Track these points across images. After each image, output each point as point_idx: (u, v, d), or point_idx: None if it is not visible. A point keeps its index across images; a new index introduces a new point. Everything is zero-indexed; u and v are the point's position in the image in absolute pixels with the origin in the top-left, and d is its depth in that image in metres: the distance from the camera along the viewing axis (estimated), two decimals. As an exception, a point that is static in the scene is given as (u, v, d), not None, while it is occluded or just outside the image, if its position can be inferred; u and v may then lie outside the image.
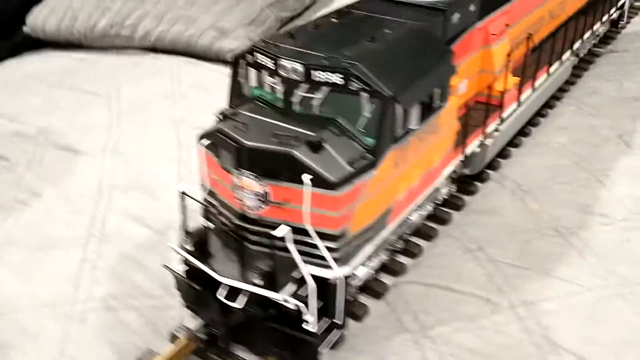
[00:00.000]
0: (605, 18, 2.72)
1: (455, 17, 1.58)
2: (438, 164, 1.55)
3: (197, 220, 1.41)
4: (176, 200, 1.88)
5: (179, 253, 1.36)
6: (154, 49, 2.89)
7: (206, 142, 1.33)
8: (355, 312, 1.49)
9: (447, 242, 1.72)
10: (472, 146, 1.76)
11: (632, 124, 2.25)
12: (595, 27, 2.60)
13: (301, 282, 1.27)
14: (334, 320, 1.34)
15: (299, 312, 1.27)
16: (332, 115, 1.30)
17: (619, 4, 2.92)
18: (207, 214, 1.42)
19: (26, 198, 1.91)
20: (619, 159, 2.05)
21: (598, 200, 1.84)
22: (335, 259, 1.28)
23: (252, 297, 1.30)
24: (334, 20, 1.48)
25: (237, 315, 1.34)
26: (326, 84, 1.27)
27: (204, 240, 1.32)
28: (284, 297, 1.24)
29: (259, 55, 1.33)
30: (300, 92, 1.29)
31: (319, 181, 1.21)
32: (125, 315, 1.49)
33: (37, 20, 3.01)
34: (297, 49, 1.30)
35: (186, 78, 2.67)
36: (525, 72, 1.96)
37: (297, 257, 1.23)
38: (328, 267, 1.28)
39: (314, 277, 1.28)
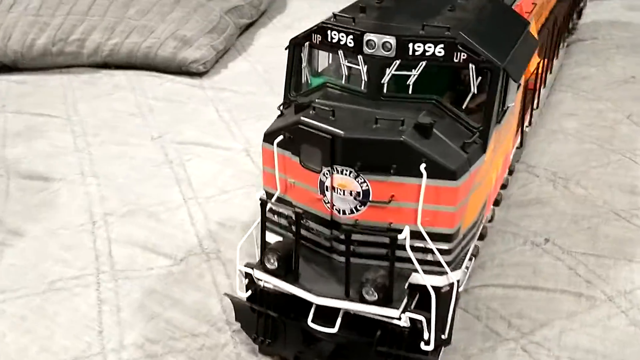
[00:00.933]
0: (577, 6, 2.70)
1: (507, -9, 1.45)
2: (510, 148, 1.39)
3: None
4: (187, 222, 1.66)
5: (254, 276, 1.12)
6: (106, 65, 2.59)
7: (278, 139, 1.11)
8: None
9: (507, 239, 1.56)
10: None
11: (636, 106, 2.20)
12: (572, 15, 2.57)
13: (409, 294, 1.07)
14: (442, 336, 1.14)
15: (411, 331, 1.06)
16: (428, 95, 1.11)
17: (582, -7, 2.92)
18: (273, 226, 1.19)
19: (5, 238, 1.59)
20: (639, 139, 1.99)
21: (643, 180, 1.75)
22: (448, 263, 1.08)
23: (346, 319, 1.09)
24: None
25: (327, 344, 1.13)
26: (424, 57, 1.08)
27: (289, 256, 1.09)
28: (400, 314, 1.03)
29: (333, 32, 1.12)
30: (392, 71, 1.09)
31: (436, 171, 1.02)
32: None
33: (-37, 42, 2.64)
34: (382, 22, 1.11)
35: (151, 92, 2.39)
36: (547, 55, 1.86)
37: (417, 266, 1.03)
38: (438, 273, 1.09)
39: (420, 286, 1.09)
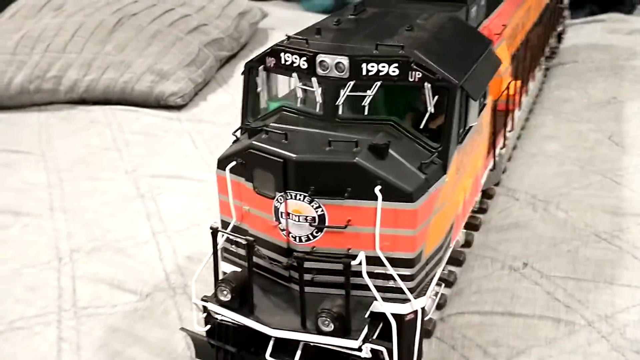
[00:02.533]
0: (555, 30, 2.69)
1: (474, 10, 1.42)
2: (480, 171, 1.36)
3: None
4: (154, 257, 1.61)
5: (208, 309, 1.07)
6: (83, 101, 2.57)
7: (230, 165, 1.07)
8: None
9: (485, 264, 1.51)
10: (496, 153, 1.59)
11: (616, 126, 2.17)
12: (550, 39, 2.56)
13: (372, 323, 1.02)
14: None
15: (373, 361, 1.01)
16: (385, 116, 1.08)
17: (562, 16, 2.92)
18: (231, 256, 1.15)
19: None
20: (621, 159, 1.95)
21: (624, 201, 1.71)
22: (410, 289, 1.04)
23: (307, 351, 1.04)
24: (351, 17, 1.27)
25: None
26: (379, 77, 1.05)
27: (244, 288, 1.03)
28: (359, 344, 0.98)
29: (286, 55, 1.09)
30: (346, 92, 1.06)
31: (392, 193, 0.98)
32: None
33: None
34: (335, 43, 1.08)
35: (128, 126, 2.36)
36: (521, 76, 1.83)
37: (375, 292, 0.98)
38: (400, 300, 1.04)
39: (380, 315, 1.04)
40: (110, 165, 2.09)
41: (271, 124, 1.07)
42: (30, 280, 1.51)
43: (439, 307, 1.39)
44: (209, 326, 1.12)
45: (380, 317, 1.04)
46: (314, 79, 1.07)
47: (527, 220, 1.66)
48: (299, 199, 1.00)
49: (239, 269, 1.12)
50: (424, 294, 1.06)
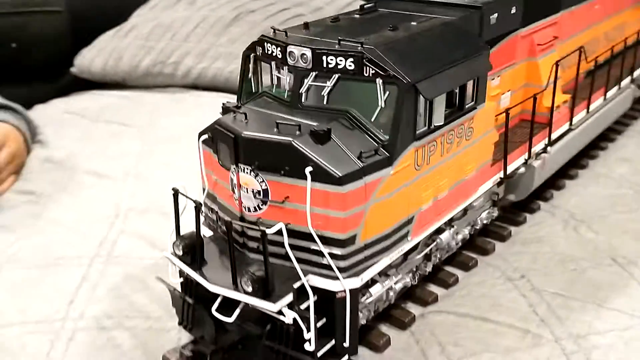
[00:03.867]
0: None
1: (494, 17, 1.44)
2: (472, 176, 1.37)
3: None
4: (192, 223, 1.79)
5: (169, 260, 1.22)
6: (195, 87, 2.85)
7: (203, 138, 1.21)
8: (374, 341, 1.31)
9: (487, 272, 1.52)
10: (515, 165, 1.57)
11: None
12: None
13: (304, 295, 1.11)
14: (344, 344, 1.16)
15: (298, 329, 1.09)
16: (345, 107, 1.16)
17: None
18: (207, 220, 1.29)
19: (44, 224, 1.82)
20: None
21: (662, 232, 1.61)
22: (341, 269, 1.11)
23: (250, 313, 1.15)
24: (356, 15, 1.36)
25: (231, 334, 1.19)
26: (337, 70, 1.13)
27: (196, 246, 1.17)
28: (278, 308, 1.07)
29: (268, 45, 1.21)
30: (308, 82, 1.16)
31: (322, 175, 1.06)
32: (117, 336, 1.35)
33: (84, 62, 3.02)
34: (308, 36, 1.18)
35: (223, 112, 2.58)
36: (579, 92, 1.78)
37: (295, 262, 1.07)
38: (333, 277, 1.11)
39: (319, 290, 1.12)
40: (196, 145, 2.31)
41: (245, 105, 1.20)
42: (85, 230, 1.76)
43: (425, 304, 1.42)
44: (181, 279, 1.26)
45: (318, 292, 1.12)
46: (285, 68, 1.18)
47: (551, 237, 1.63)
48: (247, 172, 1.11)
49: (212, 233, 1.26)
50: (357, 276, 1.13)
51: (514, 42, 1.56)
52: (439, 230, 1.37)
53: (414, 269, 1.36)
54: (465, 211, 1.43)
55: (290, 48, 1.16)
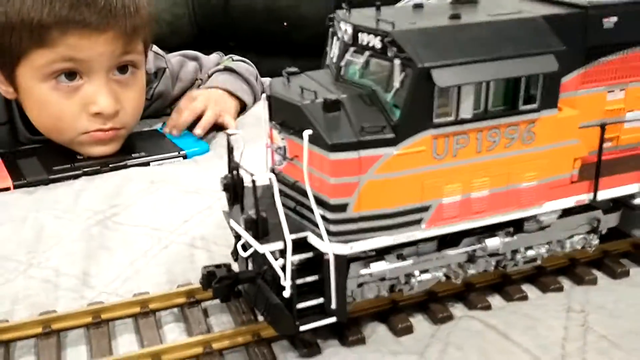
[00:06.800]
0: None
1: (609, 21, 1.30)
2: (533, 185, 1.28)
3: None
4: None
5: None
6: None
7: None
8: (394, 324, 1.33)
9: (558, 296, 1.40)
10: (621, 192, 1.40)
11: None
12: None
13: (306, 248, 1.21)
14: (331, 306, 1.22)
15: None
16: (371, 84, 1.21)
17: None
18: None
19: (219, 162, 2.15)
20: None
21: None
22: (330, 232, 1.18)
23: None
24: (448, 5, 1.36)
25: (250, 271, 1.34)
26: (368, 48, 1.19)
27: (239, 186, 1.32)
28: (263, 250, 1.19)
29: (333, 20, 1.31)
30: (347, 56, 1.23)
31: (318, 139, 1.14)
32: (198, 254, 1.59)
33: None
34: (363, 15, 1.25)
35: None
36: None
37: (282, 214, 1.17)
38: (321, 237, 1.18)
39: (316, 249, 1.21)
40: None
41: (305, 73, 1.31)
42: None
43: (473, 307, 1.38)
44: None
45: (317, 252, 1.21)
46: (335, 41, 1.27)
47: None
48: (275, 128, 1.25)
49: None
50: (345, 244, 1.18)
51: (652, 54, 1.37)
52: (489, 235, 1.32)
53: (452, 266, 1.33)
54: (520, 224, 1.34)
55: (341, 24, 1.25)
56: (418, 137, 1.16)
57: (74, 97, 2.09)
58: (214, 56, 2.89)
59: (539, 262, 1.42)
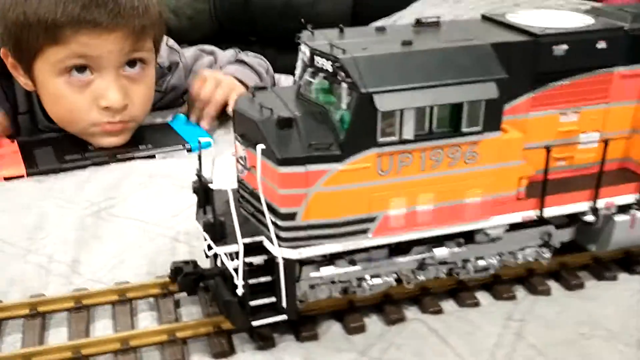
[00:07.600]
0: None
1: (560, 49, 1.37)
2: (475, 200, 1.36)
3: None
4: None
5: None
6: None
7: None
8: (346, 323, 1.44)
9: (506, 304, 1.48)
10: (567, 210, 1.47)
11: None
12: None
13: (262, 251, 1.32)
14: (282, 305, 1.34)
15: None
16: (325, 104, 1.30)
17: None
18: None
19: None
20: None
21: None
22: (280, 238, 1.29)
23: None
24: (411, 27, 1.44)
25: (215, 268, 1.46)
26: (322, 70, 1.29)
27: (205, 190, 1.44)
28: (219, 251, 1.31)
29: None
30: (305, 76, 1.33)
31: (269, 153, 1.25)
32: (179, 247, 1.72)
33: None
34: (324, 40, 1.34)
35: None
36: None
37: (234, 215, 1.28)
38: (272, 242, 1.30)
39: (269, 252, 1.32)
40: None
41: (270, 88, 1.42)
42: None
43: (425, 310, 1.48)
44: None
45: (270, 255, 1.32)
46: (298, 62, 1.37)
47: (616, 302, 1.48)
48: (237, 140, 1.36)
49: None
50: (294, 249, 1.29)
51: (606, 79, 1.43)
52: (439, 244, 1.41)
53: (403, 272, 1.43)
54: (471, 235, 1.42)
55: (301, 46, 1.35)
56: (363, 154, 1.25)
57: (86, 91, 2.23)
58: (230, 51, 3.00)
59: (492, 271, 1.51)
